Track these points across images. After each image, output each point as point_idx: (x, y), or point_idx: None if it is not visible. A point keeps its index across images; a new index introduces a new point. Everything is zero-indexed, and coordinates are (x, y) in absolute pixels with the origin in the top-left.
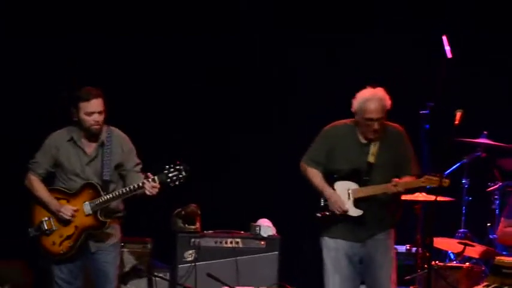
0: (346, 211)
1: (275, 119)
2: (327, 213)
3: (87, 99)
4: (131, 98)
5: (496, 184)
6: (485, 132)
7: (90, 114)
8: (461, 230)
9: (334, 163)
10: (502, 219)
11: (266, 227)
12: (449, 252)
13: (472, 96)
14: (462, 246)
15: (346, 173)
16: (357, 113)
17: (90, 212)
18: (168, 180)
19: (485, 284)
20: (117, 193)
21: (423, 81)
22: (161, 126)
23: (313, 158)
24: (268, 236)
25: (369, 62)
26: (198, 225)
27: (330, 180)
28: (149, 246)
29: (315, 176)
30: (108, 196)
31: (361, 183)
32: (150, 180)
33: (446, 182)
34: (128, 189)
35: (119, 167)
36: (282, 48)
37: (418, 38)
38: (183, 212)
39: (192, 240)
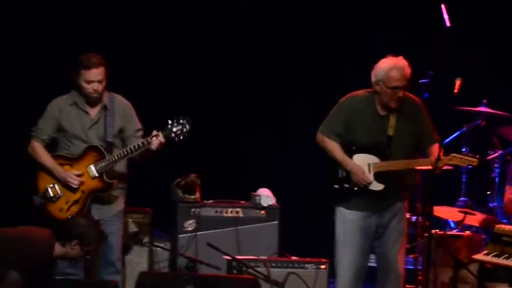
0: (370, 183)
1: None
2: (346, 185)
3: (88, 68)
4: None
5: (495, 152)
6: (484, 101)
7: (89, 82)
8: (462, 198)
9: (353, 134)
10: (507, 186)
11: (266, 196)
12: (450, 220)
13: (472, 65)
14: (462, 214)
15: (365, 145)
16: (378, 82)
17: (96, 174)
18: (173, 135)
19: (485, 252)
20: (122, 153)
21: (422, 50)
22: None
23: (331, 129)
24: (268, 205)
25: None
26: (198, 195)
27: (348, 152)
28: (149, 216)
29: (334, 147)
30: (113, 157)
31: (383, 157)
32: (154, 136)
33: (475, 161)
34: (133, 147)
35: (121, 131)
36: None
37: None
38: (183, 182)
39: (192, 210)
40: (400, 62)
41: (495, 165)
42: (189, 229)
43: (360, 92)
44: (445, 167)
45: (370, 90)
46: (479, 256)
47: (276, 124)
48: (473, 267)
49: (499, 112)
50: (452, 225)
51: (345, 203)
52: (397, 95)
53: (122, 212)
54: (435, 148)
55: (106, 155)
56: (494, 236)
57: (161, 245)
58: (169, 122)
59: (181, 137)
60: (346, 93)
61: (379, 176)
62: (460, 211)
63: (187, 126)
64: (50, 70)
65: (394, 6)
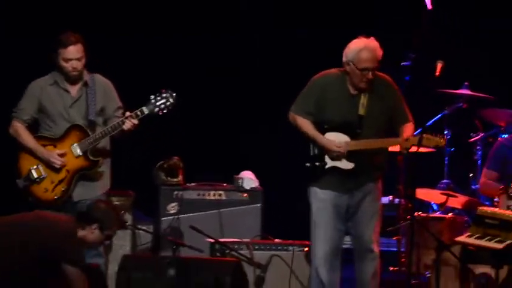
0: (344, 153)
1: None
2: (317, 164)
3: (65, 46)
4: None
5: (477, 135)
6: (466, 83)
7: (67, 60)
8: (444, 180)
9: (324, 114)
10: (484, 170)
11: (249, 179)
12: (432, 203)
13: (453, 47)
14: (445, 197)
15: (336, 124)
16: (349, 63)
17: (80, 153)
18: (157, 109)
19: (467, 234)
20: (104, 131)
21: (404, 32)
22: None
23: (302, 108)
24: (251, 188)
25: None
26: (180, 178)
27: (320, 130)
28: (132, 199)
29: (306, 125)
30: (96, 135)
31: (353, 136)
32: (127, 117)
33: (442, 142)
34: (112, 126)
35: (102, 110)
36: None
37: None
38: (165, 165)
39: (175, 193)
40: (371, 43)
41: (477, 147)
42: (172, 212)
43: (332, 71)
44: (422, 149)
45: (342, 69)
46: (461, 238)
47: (259, 107)
48: (456, 249)
49: (481, 94)
50: (434, 207)
51: (317, 183)
52: (366, 77)
53: (106, 194)
54: (407, 127)
55: (89, 133)
56: (476, 218)
57: (144, 227)
58: (152, 96)
59: (165, 111)
60: None
61: (349, 155)
62: (442, 193)
63: (171, 100)
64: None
65: None
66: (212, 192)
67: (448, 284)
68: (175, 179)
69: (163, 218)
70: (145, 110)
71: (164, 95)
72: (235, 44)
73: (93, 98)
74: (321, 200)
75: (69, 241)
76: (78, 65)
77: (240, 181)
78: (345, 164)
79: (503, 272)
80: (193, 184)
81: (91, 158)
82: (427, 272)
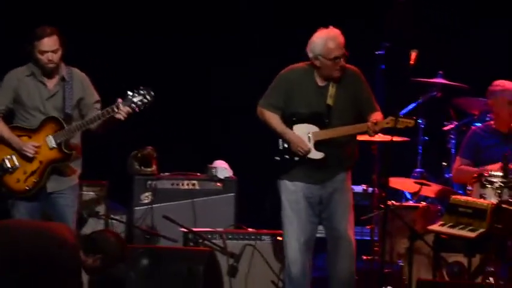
0: (308, 151)
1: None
2: (287, 157)
3: (40, 38)
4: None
5: (451, 123)
6: (440, 72)
7: (43, 53)
8: (418, 169)
9: (293, 106)
10: (457, 157)
11: (222, 168)
12: (406, 192)
13: (427, 36)
14: (418, 185)
15: (305, 116)
16: (318, 57)
17: (54, 144)
18: (134, 105)
19: (441, 223)
20: (83, 123)
21: (378, 22)
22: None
23: (270, 102)
24: (225, 177)
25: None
26: (154, 167)
27: (288, 123)
28: (105, 188)
29: (273, 119)
30: (72, 127)
31: (322, 126)
32: (117, 105)
33: (411, 122)
34: (94, 116)
35: (79, 102)
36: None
37: None
38: (139, 155)
39: (149, 182)
40: (332, 32)
41: (451, 136)
42: (145, 201)
43: (299, 65)
44: (396, 138)
45: (309, 62)
46: (434, 227)
47: (232, 96)
48: (429, 238)
49: (455, 83)
50: (408, 196)
51: (287, 175)
52: (338, 65)
53: (77, 185)
54: (375, 114)
55: (65, 125)
56: (449, 206)
57: (117, 217)
58: (129, 92)
59: (142, 108)
60: None
61: (319, 145)
62: (415, 182)
63: (148, 97)
64: None
65: None
66: (186, 182)
67: (420, 272)
68: (149, 169)
69: (136, 208)
70: (122, 105)
71: (142, 92)
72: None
73: (70, 92)
74: (292, 192)
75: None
76: (54, 57)
77: (213, 170)
78: (315, 154)
79: (476, 260)
80: (167, 174)
81: (65, 150)
82: (399, 261)
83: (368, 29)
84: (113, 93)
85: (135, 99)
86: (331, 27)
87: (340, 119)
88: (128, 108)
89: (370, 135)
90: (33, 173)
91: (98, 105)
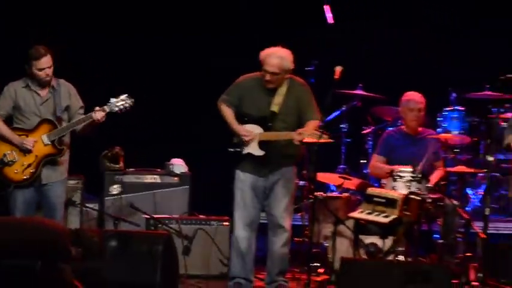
0: (251, 138)
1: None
2: (238, 149)
3: (38, 58)
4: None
5: (369, 128)
6: (360, 85)
7: (41, 70)
8: (341, 166)
9: (245, 108)
10: (374, 155)
11: (179, 165)
12: (331, 184)
13: (350, 54)
14: (341, 179)
15: (253, 118)
16: (261, 64)
17: (48, 142)
18: (116, 109)
19: (360, 210)
20: (72, 123)
21: (309, 42)
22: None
23: (227, 99)
24: (181, 172)
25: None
26: (121, 164)
27: (241, 122)
28: (82, 182)
29: (228, 114)
30: (63, 127)
31: (266, 128)
32: (98, 110)
33: (325, 137)
34: (79, 119)
35: (67, 108)
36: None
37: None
38: (109, 154)
39: (117, 177)
40: (280, 52)
41: (368, 138)
42: (114, 193)
43: (254, 74)
44: (323, 140)
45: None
46: (354, 214)
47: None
48: (350, 223)
49: (373, 94)
50: (332, 188)
51: (239, 166)
52: (265, 77)
53: (66, 179)
54: (308, 124)
55: (57, 125)
56: (367, 197)
57: (91, 206)
58: (112, 99)
59: (123, 111)
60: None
61: (261, 144)
62: (339, 177)
63: (129, 102)
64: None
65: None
66: (148, 176)
67: (342, 252)
68: (117, 166)
69: (107, 198)
70: (106, 108)
71: (123, 98)
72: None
73: (59, 98)
74: (242, 181)
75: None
76: (50, 72)
77: (171, 167)
78: (257, 152)
79: (388, 241)
80: (132, 169)
81: (57, 146)
82: (325, 242)
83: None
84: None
85: (117, 104)
86: (287, 50)
87: (283, 124)
88: (102, 113)
89: (295, 142)
90: (29, 165)
91: (82, 111)
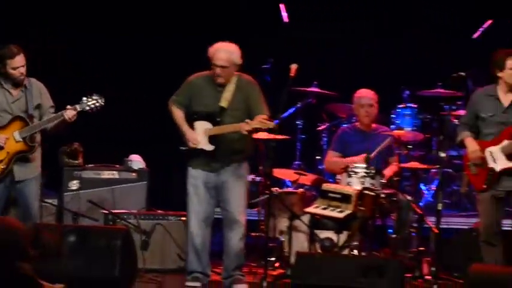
0: (197, 144)
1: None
2: (188, 148)
3: (12, 57)
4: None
5: (324, 125)
6: (315, 82)
7: (15, 68)
8: (296, 162)
9: (195, 106)
10: (329, 151)
11: (137, 161)
12: (286, 180)
13: (305, 53)
14: (297, 175)
15: (203, 115)
16: (209, 60)
17: (20, 139)
18: (88, 108)
19: (315, 205)
20: (43, 121)
21: (266, 41)
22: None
23: (177, 100)
24: (139, 168)
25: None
26: (80, 160)
27: (191, 119)
28: (42, 177)
29: (177, 114)
30: (35, 125)
31: (215, 124)
32: (69, 108)
33: (272, 124)
34: (49, 118)
35: (38, 107)
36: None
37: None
38: (68, 150)
39: (76, 172)
40: (227, 46)
41: (323, 135)
42: (73, 188)
43: (204, 72)
44: (279, 136)
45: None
46: (310, 209)
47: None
48: (305, 218)
49: (327, 92)
50: (288, 184)
51: (191, 163)
52: (215, 72)
53: (40, 175)
54: (257, 116)
55: (29, 122)
56: (322, 192)
57: (50, 201)
58: (84, 98)
59: (94, 110)
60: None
61: (211, 139)
62: (295, 172)
63: (100, 101)
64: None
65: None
66: (107, 172)
67: (298, 246)
68: (76, 161)
69: (66, 194)
70: (78, 107)
71: (95, 97)
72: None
73: (30, 97)
74: (194, 177)
75: None
76: (24, 70)
77: (129, 163)
78: (208, 147)
79: (343, 236)
80: (91, 165)
81: (29, 143)
82: (281, 237)
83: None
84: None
85: (89, 103)
86: (233, 44)
87: (232, 119)
88: (73, 112)
89: (244, 133)
90: (1, 161)
91: (52, 110)
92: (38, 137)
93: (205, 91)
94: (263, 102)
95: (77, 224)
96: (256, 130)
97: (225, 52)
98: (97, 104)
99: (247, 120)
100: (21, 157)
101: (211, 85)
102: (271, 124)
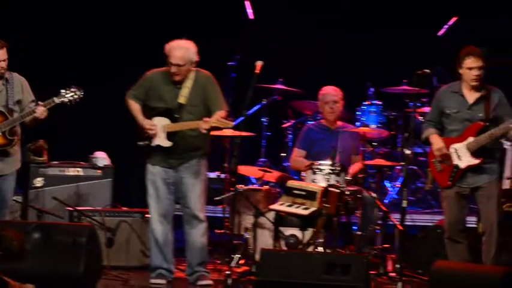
0: (153, 131)
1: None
2: (146, 142)
3: None
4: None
5: (289, 122)
6: (280, 79)
7: None
8: (261, 159)
9: (152, 101)
10: (295, 149)
11: (102, 158)
12: (251, 177)
13: (270, 50)
14: (262, 172)
15: (161, 110)
16: (166, 57)
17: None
18: (66, 100)
19: (280, 203)
20: (21, 115)
21: (230, 38)
22: None
23: (134, 94)
24: (104, 165)
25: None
26: (45, 157)
27: (150, 115)
28: None
29: (134, 108)
30: (14, 119)
31: (173, 120)
32: (41, 105)
33: (230, 124)
34: (25, 113)
35: (19, 102)
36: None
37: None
38: (33, 147)
39: (41, 169)
40: (184, 44)
41: (288, 132)
42: (38, 185)
43: (162, 68)
44: (244, 133)
45: None
46: (275, 206)
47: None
48: (270, 215)
49: (292, 89)
50: (253, 181)
51: (149, 159)
52: (172, 70)
53: (15, 173)
54: (215, 113)
55: (8, 117)
56: (287, 189)
57: (14, 198)
58: (62, 90)
59: (73, 103)
60: None
61: (169, 136)
62: (259, 169)
63: (78, 93)
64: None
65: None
66: (71, 169)
67: (263, 243)
68: (41, 158)
69: (30, 191)
70: (56, 99)
71: (73, 89)
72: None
73: (11, 91)
74: (152, 174)
75: None
76: (4, 64)
77: (94, 160)
78: (165, 143)
79: (308, 233)
80: (56, 162)
81: (8, 137)
82: (246, 234)
83: (224, 44)
84: None
85: (67, 95)
86: (190, 41)
87: (190, 115)
88: (42, 109)
89: (202, 131)
90: None
91: (32, 104)
92: (18, 131)
93: (163, 87)
94: (221, 98)
95: (42, 221)
96: (215, 128)
97: (180, 50)
98: (75, 96)
99: (205, 119)
100: (0, 151)
101: (169, 81)
102: (230, 123)
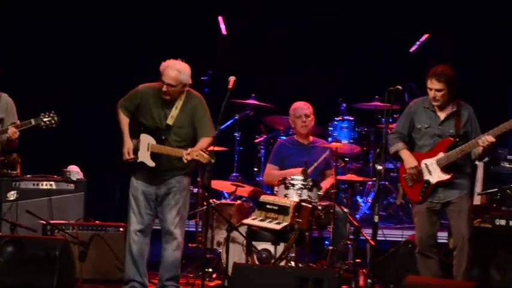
0: (129, 156)
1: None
2: (133, 157)
3: None
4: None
5: (261, 137)
6: (253, 95)
7: None
8: (234, 174)
9: (141, 117)
10: (268, 164)
11: (75, 172)
12: (224, 192)
13: (243, 65)
14: (234, 187)
15: (149, 128)
16: (160, 74)
17: None
18: (43, 123)
19: (252, 217)
20: None
21: (204, 53)
22: None
23: (125, 105)
24: (77, 179)
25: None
26: (18, 170)
27: (136, 131)
28: None
29: (122, 119)
30: None
31: (159, 141)
32: (13, 125)
33: (211, 160)
34: (3, 129)
35: (1, 120)
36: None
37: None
38: (6, 160)
39: (14, 183)
40: (178, 65)
41: (261, 147)
42: (11, 198)
43: (155, 84)
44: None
45: None
46: (247, 221)
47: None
48: (243, 230)
49: (265, 104)
50: (226, 195)
51: (133, 174)
52: (163, 89)
53: None
54: (201, 141)
55: None
56: (259, 204)
57: None
58: (41, 114)
59: (49, 127)
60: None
61: (153, 156)
62: (232, 184)
63: (55, 119)
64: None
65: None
66: (45, 183)
67: (235, 258)
68: (14, 172)
69: (4, 204)
70: (33, 121)
71: (52, 114)
72: None
73: None
74: (135, 188)
75: None
76: None
77: (67, 173)
78: (149, 162)
79: (280, 248)
80: (29, 176)
81: None
82: (219, 248)
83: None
84: None
85: (45, 119)
86: (185, 64)
87: (177, 137)
88: (13, 129)
89: (184, 161)
90: None
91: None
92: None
93: (153, 104)
94: (209, 122)
95: (15, 235)
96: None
97: (175, 70)
98: (52, 121)
99: (189, 150)
100: None
101: (159, 99)
102: (211, 159)
